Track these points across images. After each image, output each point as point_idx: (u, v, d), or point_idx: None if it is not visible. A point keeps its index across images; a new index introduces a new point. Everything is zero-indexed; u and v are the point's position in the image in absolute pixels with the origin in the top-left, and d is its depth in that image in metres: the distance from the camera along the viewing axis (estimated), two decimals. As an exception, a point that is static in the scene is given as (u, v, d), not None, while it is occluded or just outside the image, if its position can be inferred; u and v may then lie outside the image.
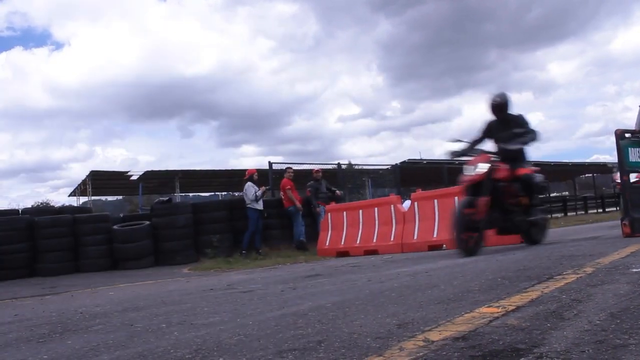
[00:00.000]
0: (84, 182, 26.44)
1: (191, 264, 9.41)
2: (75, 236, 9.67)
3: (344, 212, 9.53)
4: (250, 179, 10.38)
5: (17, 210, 11.26)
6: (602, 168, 32.90)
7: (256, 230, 10.14)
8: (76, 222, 9.81)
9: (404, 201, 9.45)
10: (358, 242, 8.97)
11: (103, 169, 26.33)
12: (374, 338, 1.82)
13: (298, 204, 10.57)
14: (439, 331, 1.84)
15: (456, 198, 7.97)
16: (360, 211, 9.28)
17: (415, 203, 8.53)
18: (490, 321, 1.92)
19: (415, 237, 8.21)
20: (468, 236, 5.34)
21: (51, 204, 30.31)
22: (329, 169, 15.37)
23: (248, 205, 10.18)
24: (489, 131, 6.13)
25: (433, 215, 8.17)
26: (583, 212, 29.04)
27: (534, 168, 6.18)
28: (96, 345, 2.20)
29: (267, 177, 12.16)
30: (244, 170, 11.29)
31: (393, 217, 8.66)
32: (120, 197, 42.23)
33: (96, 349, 2.13)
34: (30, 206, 17.52)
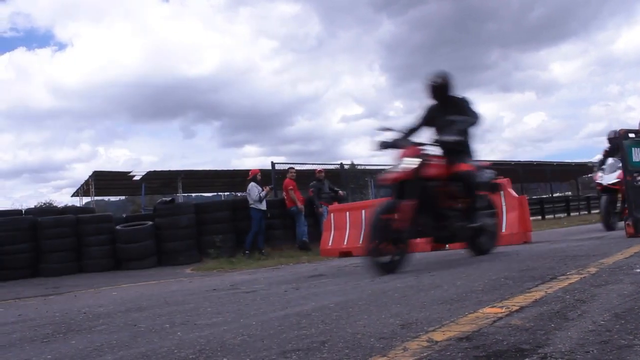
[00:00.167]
0: (86, 182, 26.50)
1: (194, 264, 9.41)
2: (78, 236, 9.69)
3: (347, 213, 9.52)
4: (254, 179, 10.39)
5: (20, 211, 11.29)
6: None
7: (259, 231, 10.13)
8: (79, 222, 9.83)
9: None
10: (361, 242, 8.95)
11: (106, 169, 26.40)
12: (377, 338, 1.82)
13: (300, 205, 10.56)
14: (443, 331, 1.84)
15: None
16: (363, 211, 9.26)
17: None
18: (494, 321, 1.92)
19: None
20: (386, 248, 4.30)
21: (54, 204, 30.35)
22: (332, 169, 15.36)
23: (251, 206, 10.18)
24: (428, 118, 5.14)
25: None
26: (586, 212, 28.92)
27: (482, 163, 5.48)
28: (100, 346, 2.20)
29: (269, 177, 12.17)
30: (246, 171, 11.32)
31: (396, 217, 8.65)
32: (123, 198, 42.33)
33: (100, 349, 2.13)
34: (33, 206, 17.63)
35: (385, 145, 4.81)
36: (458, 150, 4.86)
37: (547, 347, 1.52)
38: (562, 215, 26.26)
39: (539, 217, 22.79)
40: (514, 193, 7.56)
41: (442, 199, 4.71)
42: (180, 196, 28.01)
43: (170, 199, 11.62)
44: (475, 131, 5.06)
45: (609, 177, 8.18)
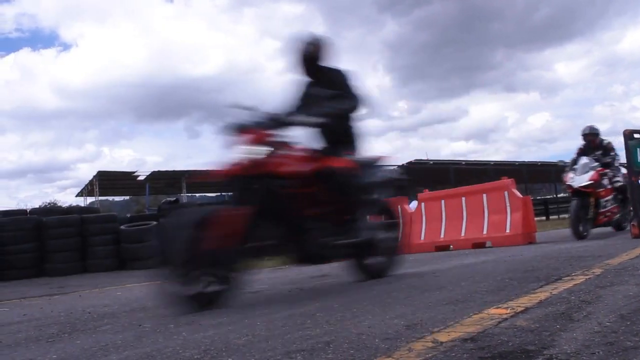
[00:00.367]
0: (91, 182, 26.63)
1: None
2: (83, 236, 9.71)
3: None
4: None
5: (25, 211, 11.33)
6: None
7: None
8: (84, 222, 9.85)
9: (410, 202, 9.44)
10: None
11: (110, 170, 26.51)
12: (382, 339, 1.82)
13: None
14: (448, 332, 1.83)
15: (463, 199, 8.00)
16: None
17: (422, 204, 8.52)
18: (499, 322, 1.92)
19: (422, 238, 8.21)
20: (198, 274, 3.04)
21: (59, 204, 30.52)
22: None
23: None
24: (303, 98, 4.01)
25: (440, 216, 8.16)
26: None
27: (375, 158, 4.13)
28: (104, 345, 2.21)
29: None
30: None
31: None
32: (127, 198, 42.48)
33: (105, 349, 2.14)
34: (38, 206, 17.65)
35: (233, 129, 3.36)
36: (334, 140, 3.87)
37: (553, 348, 1.51)
38: (566, 215, 26.13)
39: (543, 218, 22.73)
40: (518, 193, 7.56)
41: (301, 204, 3.44)
42: (185, 196, 28.10)
43: (174, 199, 11.65)
44: (358, 116, 3.94)
45: (580, 179, 7.17)
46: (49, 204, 34.44)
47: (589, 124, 7.86)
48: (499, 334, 1.74)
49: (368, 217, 3.99)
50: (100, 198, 28.79)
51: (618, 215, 7.52)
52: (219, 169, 3.31)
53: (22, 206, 19.70)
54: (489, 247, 7.35)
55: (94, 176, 25.68)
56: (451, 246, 7.84)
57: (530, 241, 7.01)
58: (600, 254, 4.17)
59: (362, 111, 3.91)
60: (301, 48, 3.89)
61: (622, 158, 6.66)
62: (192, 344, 2.06)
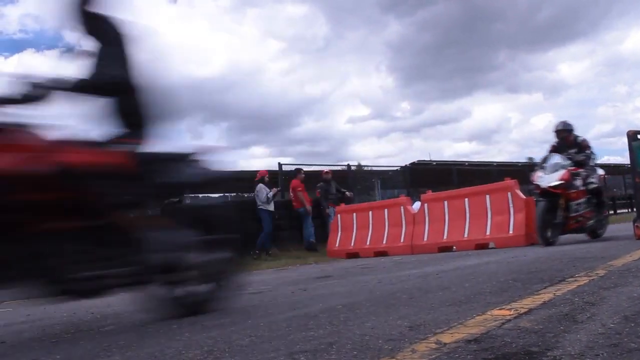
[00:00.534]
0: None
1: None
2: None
3: (354, 214, 9.53)
4: (262, 181, 10.40)
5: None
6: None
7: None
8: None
9: (413, 202, 9.44)
10: (368, 243, 8.96)
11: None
12: (385, 340, 1.82)
13: (308, 207, 10.57)
14: (451, 333, 1.83)
15: (466, 199, 7.99)
16: (370, 212, 9.27)
17: (425, 204, 8.51)
18: (503, 323, 1.91)
19: (425, 239, 8.20)
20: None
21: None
22: (339, 170, 15.36)
23: (260, 207, 10.19)
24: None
25: (443, 216, 8.16)
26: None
27: (179, 148, 3.12)
28: (108, 346, 2.21)
29: (277, 178, 12.18)
30: (253, 172, 11.32)
31: (403, 219, 8.65)
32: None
33: (108, 349, 2.14)
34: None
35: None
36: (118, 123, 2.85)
37: (557, 350, 1.51)
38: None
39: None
40: (521, 194, 7.53)
41: (36, 217, 2.38)
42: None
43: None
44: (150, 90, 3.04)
45: (549, 178, 6.52)
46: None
47: (562, 120, 7.19)
48: (502, 335, 1.74)
49: (178, 231, 2.97)
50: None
51: (592, 220, 6.75)
52: None
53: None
54: (492, 248, 7.33)
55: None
56: (454, 247, 7.83)
57: (534, 242, 6.99)
58: (604, 255, 4.16)
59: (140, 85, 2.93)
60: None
61: (602, 158, 6.45)
62: (195, 344, 2.06)
